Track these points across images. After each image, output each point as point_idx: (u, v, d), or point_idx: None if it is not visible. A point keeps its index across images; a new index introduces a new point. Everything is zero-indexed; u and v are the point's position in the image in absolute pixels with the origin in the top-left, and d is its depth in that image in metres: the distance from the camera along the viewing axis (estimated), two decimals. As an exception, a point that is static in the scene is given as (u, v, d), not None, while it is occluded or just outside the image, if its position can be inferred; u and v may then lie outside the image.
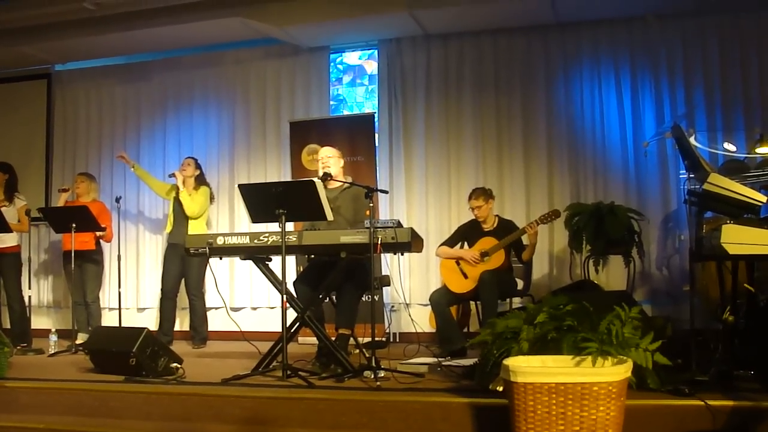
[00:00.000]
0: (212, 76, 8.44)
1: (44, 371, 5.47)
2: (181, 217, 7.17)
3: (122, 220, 7.65)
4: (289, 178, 7.62)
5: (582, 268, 6.56)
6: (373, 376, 4.57)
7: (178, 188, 7.20)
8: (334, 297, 5.48)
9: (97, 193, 7.65)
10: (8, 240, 7.08)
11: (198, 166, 7.36)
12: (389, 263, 6.84)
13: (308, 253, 5.48)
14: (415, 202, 7.67)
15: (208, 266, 6.76)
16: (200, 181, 7.34)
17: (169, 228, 7.30)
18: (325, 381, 4.69)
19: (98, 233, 7.11)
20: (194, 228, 7.09)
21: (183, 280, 7.25)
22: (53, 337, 6.64)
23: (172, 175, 7.24)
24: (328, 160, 5.57)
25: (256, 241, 5.06)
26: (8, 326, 7.19)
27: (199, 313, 7.27)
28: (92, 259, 7.35)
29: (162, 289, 7.33)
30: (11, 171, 7.39)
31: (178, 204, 7.20)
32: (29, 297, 7.56)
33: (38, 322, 7.81)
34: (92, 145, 8.75)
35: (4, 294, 7.22)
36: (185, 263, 7.13)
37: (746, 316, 4.30)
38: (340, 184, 5.56)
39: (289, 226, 5.37)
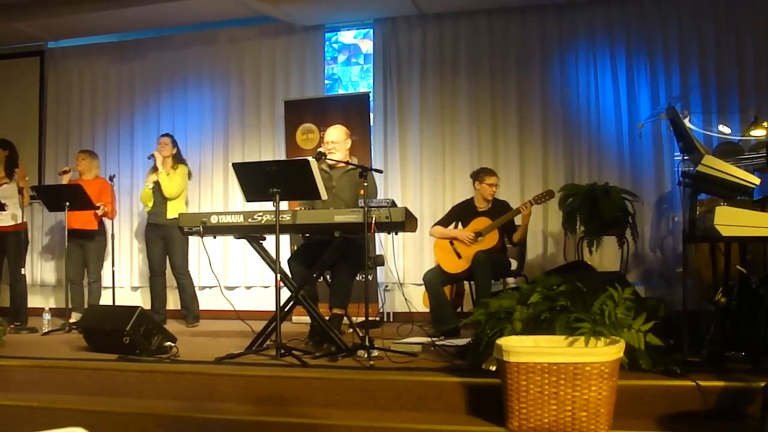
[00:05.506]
0: (206, 54, 8.37)
1: (38, 350, 5.46)
2: (159, 196, 7.12)
3: (116, 199, 7.60)
4: (283, 157, 7.61)
5: (576, 249, 6.58)
6: (366, 356, 4.57)
7: (156, 169, 7.13)
8: (328, 276, 5.48)
9: (99, 170, 7.57)
10: (8, 218, 7.04)
11: (174, 144, 7.27)
12: (383, 243, 6.85)
13: (302, 232, 5.47)
14: (410, 181, 7.66)
15: (201, 245, 6.74)
16: (178, 159, 7.25)
17: (148, 207, 7.25)
18: (319, 360, 4.69)
19: (99, 212, 7.06)
20: (174, 207, 7.04)
21: (168, 260, 7.26)
22: (47, 316, 6.64)
23: (151, 156, 7.16)
24: (333, 146, 5.48)
25: (250, 220, 5.05)
26: (7, 305, 7.20)
27: (188, 291, 7.26)
28: (95, 238, 7.30)
29: (150, 268, 7.33)
30: (11, 147, 7.31)
31: (156, 183, 7.14)
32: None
33: (32, 300, 7.78)
34: (86, 123, 8.69)
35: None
36: (167, 243, 7.14)
37: (738, 298, 4.31)
38: (344, 165, 5.50)
39: (284, 205, 5.34)
